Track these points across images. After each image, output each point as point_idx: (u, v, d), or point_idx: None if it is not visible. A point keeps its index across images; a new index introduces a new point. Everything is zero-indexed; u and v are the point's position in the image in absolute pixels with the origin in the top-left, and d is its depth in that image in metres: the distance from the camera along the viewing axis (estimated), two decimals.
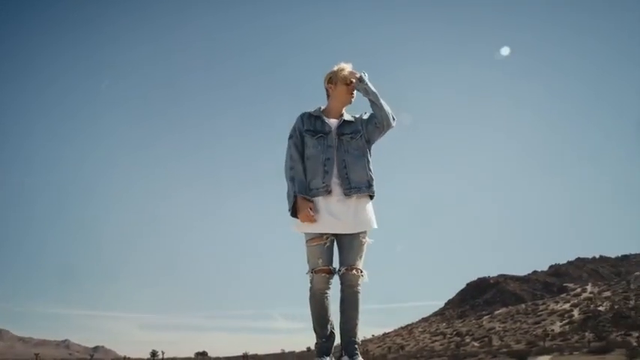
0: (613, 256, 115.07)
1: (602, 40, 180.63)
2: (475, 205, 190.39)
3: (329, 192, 3.57)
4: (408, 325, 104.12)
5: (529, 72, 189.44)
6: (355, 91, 3.76)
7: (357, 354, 3.50)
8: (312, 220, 3.51)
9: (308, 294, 3.64)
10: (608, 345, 44.60)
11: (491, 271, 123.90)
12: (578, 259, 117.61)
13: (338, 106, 3.79)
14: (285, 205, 3.66)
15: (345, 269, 3.55)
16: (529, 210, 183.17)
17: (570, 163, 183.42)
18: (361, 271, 3.58)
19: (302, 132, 3.72)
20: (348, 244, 3.59)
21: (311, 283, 3.61)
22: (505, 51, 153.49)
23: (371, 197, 3.69)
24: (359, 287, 3.58)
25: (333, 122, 3.75)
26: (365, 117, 3.79)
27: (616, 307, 70.35)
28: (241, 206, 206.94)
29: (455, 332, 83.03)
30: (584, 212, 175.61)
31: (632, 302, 71.10)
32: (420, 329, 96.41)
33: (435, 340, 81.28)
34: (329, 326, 3.66)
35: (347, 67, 3.76)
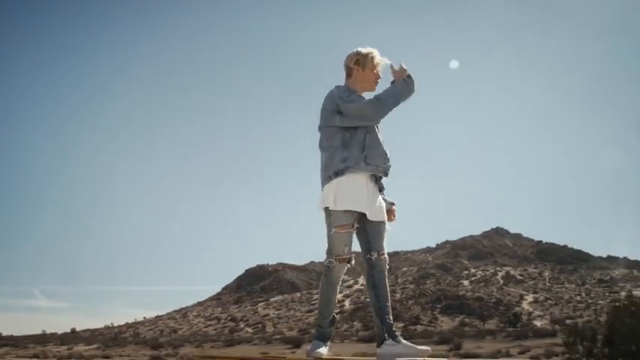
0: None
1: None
2: (259, 194, 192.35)
3: (360, 169, 3.52)
4: (182, 309, 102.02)
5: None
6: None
7: (398, 335, 3.42)
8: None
9: (323, 279, 3.67)
10: (374, 334, 46.33)
11: (272, 259, 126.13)
12: (354, 252, 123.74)
13: (361, 91, 3.68)
14: None
15: (378, 254, 3.57)
16: (311, 201, 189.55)
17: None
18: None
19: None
20: (376, 230, 3.60)
21: (330, 270, 3.58)
22: (454, 64, 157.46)
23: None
24: (387, 271, 3.65)
25: None
26: None
27: None
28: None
29: (230, 317, 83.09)
30: None
31: (397, 295, 76.07)
32: (194, 313, 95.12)
33: (209, 325, 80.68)
34: (334, 312, 3.72)
35: (378, 55, 3.69)
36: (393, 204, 3.76)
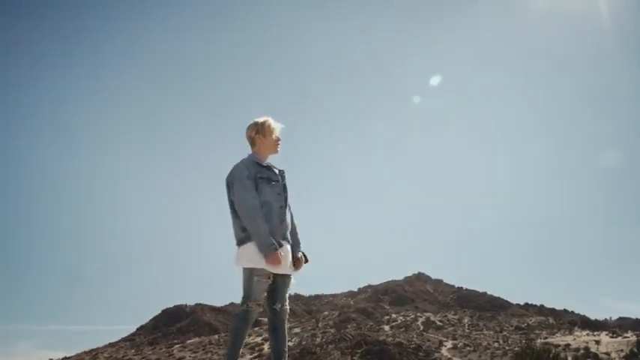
0: (307, 294, 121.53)
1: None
2: (178, 231, 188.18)
3: (286, 239, 3.99)
4: (92, 350, 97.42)
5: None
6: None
7: None
8: (280, 264, 3.83)
9: (236, 324, 3.97)
10: None
11: (190, 299, 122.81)
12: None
13: (267, 156, 4.11)
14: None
15: (281, 306, 4.08)
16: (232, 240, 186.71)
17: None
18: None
19: (256, 178, 3.93)
20: (284, 283, 4.08)
21: (248, 313, 3.89)
22: (435, 80, 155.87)
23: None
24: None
25: (276, 171, 4.12)
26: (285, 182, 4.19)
27: (304, 342, 73.70)
28: None
29: None
30: None
31: (318, 339, 75.06)
32: (105, 355, 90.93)
33: None
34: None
35: (272, 121, 4.13)
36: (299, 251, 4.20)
